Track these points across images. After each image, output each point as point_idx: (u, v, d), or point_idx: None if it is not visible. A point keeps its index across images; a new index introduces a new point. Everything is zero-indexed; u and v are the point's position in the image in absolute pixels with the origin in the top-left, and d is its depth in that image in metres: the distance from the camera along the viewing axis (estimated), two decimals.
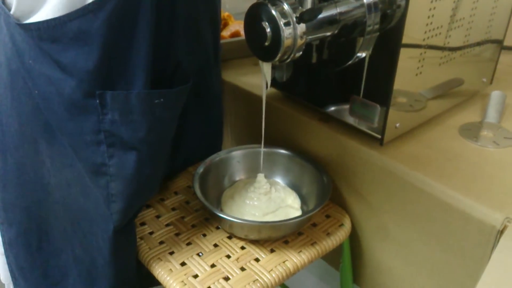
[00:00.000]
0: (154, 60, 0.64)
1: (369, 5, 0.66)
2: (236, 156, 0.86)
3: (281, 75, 0.86)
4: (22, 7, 0.61)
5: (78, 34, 0.59)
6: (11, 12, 0.62)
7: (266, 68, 0.69)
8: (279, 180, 0.86)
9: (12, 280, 0.83)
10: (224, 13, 1.16)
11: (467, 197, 0.65)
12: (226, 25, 1.14)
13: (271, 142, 0.84)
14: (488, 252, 0.63)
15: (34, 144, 0.70)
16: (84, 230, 0.72)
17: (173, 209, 0.82)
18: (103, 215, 0.68)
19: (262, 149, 0.81)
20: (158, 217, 0.80)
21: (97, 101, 0.62)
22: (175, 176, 0.90)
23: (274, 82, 0.88)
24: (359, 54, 0.70)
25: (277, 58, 0.63)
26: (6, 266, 0.83)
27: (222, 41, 0.91)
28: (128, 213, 0.69)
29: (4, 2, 0.63)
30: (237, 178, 0.86)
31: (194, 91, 0.76)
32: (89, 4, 0.58)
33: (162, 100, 0.65)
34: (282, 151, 0.85)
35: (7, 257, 0.82)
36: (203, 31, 0.79)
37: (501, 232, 0.61)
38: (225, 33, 1.10)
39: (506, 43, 0.91)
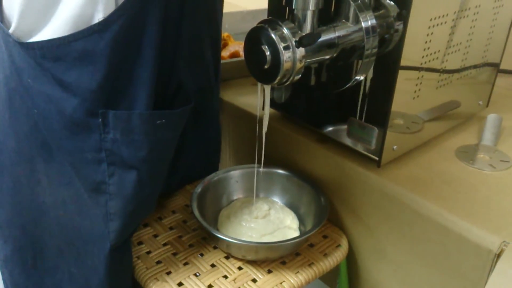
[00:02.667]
0: (157, 80, 0.64)
1: (367, 29, 0.67)
2: (234, 176, 0.86)
3: (280, 96, 0.87)
4: (23, 26, 0.61)
5: (83, 54, 0.59)
6: (11, 31, 0.62)
7: (266, 90, 0.70)
8: (277, 200, 0.86)
9: None
10: (224, 34, 1.17)
11: (463, 220, 0.65)
12: (225, 45, 1.15)
13: (269, 162, 0.84)
14: (485, 275, 0.63)
15: (30, 163, 0.69)
16: (79, 249, 0.72)
17: (171, 228, 0.82)
18: (99, 234, 0.68)
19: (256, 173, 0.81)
20: (155, 236, 0.80)
21: (100, 120, 0.62)
22: (172, 194, 0.90)
23: (273, 103, 0.88)
24: (357, 77, 0.71)
25: (276, 81, 0.64)
26: (1, 283, 0.82)
27: (221, 61, 0.91)
28: (125, 232, 0.69)
29: (2, 21, 0.63)
30: (235, 197, 0.87)
31: (193, 111, 0.76)
32: (94, 24, 0.58)
33: (164, 120, 0.65)
34: (280, 171, 0.86)
35: (2, 273, 0.81)
36: (205, 52, 0.80)
37: (498, 255, 0.61)
38: (225, 53, 1.11)
39: (503, 66, 0.93)
